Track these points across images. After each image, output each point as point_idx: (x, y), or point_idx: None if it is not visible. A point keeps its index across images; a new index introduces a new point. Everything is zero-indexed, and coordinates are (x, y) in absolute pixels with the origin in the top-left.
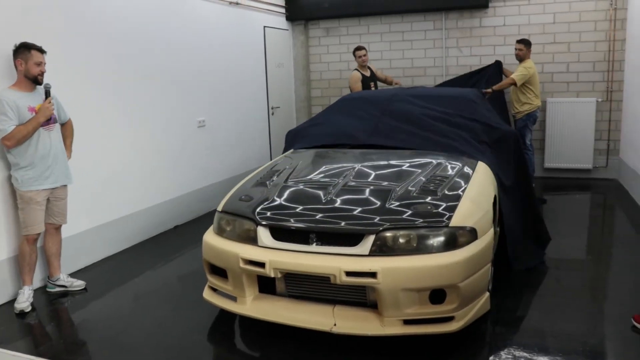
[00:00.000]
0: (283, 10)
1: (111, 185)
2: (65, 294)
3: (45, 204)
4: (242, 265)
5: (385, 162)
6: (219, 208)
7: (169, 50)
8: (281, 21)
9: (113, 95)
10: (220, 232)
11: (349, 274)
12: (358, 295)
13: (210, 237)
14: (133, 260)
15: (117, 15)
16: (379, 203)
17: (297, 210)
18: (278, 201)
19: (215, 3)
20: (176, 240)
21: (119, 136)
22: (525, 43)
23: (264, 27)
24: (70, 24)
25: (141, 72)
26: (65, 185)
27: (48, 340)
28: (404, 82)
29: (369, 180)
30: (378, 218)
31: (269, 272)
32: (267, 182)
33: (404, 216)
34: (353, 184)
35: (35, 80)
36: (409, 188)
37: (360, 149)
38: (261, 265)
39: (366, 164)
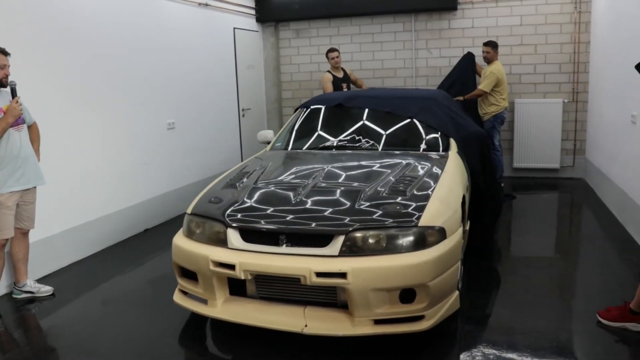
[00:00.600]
0: (253, 12)
1: (79, 188)
2: (32, 300)
3: (15, 208)
4: (212, 267)
5: (355, 163)
6: (189, 210)
7: (137, 52)
8: (251, 23)
9: (80, 97)
10: (190, 234)
11: (319, 274)
12: (329, 295)
13: (180, 240)
14: (102, 264)
15: (83, 16)
16: (348, 204)
17: (267, 211)
18: (248, 203)
19: (184, 4)
20: (146, 243)
21: (87, 139)
22: (492, 45)
23: (234, 28)
24: (34, 25)
25: (109, 74)
26: (35, 188)
27: (15, 347)
28: (375, 84)
29: (339, 181)
30: (348, 219)
31: (239, 274)
32: (237, 184)
33: (374, 216)
34: (323, 184)
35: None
36: (379, 188)
37: (331, 150)
38: (231, 267)
39: (336, 164)
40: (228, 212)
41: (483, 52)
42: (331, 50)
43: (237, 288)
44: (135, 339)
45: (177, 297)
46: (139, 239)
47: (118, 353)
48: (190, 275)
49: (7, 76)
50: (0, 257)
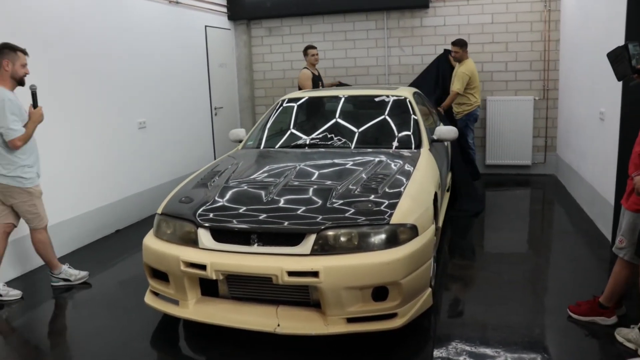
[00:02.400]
0: (225, 10)
1: (48, 189)
2: (0, 305)
3: None
4: (183, 268)
5: (327, 161)
6: (159, 210)
7: (106, 51)
8: (223, 21)
9: (47, 97)
10: (161, 235)
11: (290, 274)
12: (301, 295)
13: (150, 241)
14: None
15: (51, 15)
16: (320, 202)
17: (239, 211)
18: (219, 202)
19: (155, 2)
20: (117, 244)
21: (55, 139)
22: (459, 44)
23: (205, 26)
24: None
25: (78, 73)
26: None
27: None
28: (348, 81)
29: (311, 179)
30: (320, 217)
31: (210, 274)
32: (208, 183)
33: (346, 215)
34: (295, 183)
35: (20, 82)
36: (350, 186)
37: (303, 148)
38: (202, 267)
39: (308, 163)
40: (199, 211)
41: (452, 52)
42: (311, 47)
43: (209, 288)
44: (107, 342)
45: (149, 299)
46: (110, 239)
47: (89, 358)
48: (161, 276)
49: (26, 75)
50: (48, 240)
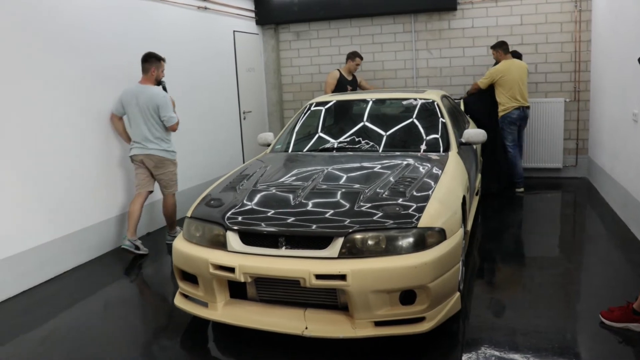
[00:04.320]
0: (253, 15)
1: (81, 192)
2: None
3: None
4: (212, 270)
5: (355, 165)
6: (189, 214)
7: (137, 57)
8: (251, 25)
9: (85, 103)
10: (190, 238)
11: (318, 277)
12: (329, 298)
13: (180, 243)
14: (104, 268)
15: (81, 22)
16: (348, 205)
17: (267, 214)
18: (248, 205)
19: (184, 8)
20: (148, 246)
21: (90, 143)
22: (494, 46)
23: (234, 31)
24: (39, 37)
25: (110, 80)
26: None
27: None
28: (375, 85)
29: (339, 182)
30: (347, 220)
31: (238, 277)
32: (237, 187)
33: (373, 218)
34: (323, 186)
35: (158, 83)
36: (378, 190)
37: (331, 152)
38: (231, 270)
39: (335, 166)
40: (228, 215)
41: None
42: (358, 55)
43: (237, 291)
44: (138, 343)
45: (178, 301)
46: (141, 242)
47: (120, 358)
48: (191, 278)
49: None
50: (175, 203)
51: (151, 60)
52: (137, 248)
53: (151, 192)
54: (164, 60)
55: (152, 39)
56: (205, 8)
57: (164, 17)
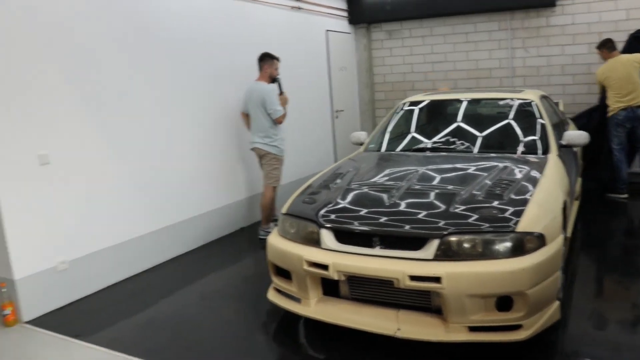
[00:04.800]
0: (345, 14)
1: (181, 187)
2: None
3: None
4: (305, 267)
5: (450, 166)
6: (283, 210)
7: (233, 55)
8: (343, 24)
9: (181, 100)
10: (285, 234)
11: (412, 278)
12: (422, 300)
13: (274, 239)
14: (200, 260)
15: (179, 23)
16: (443, 207)
17: (361, 213)
18: (341, 204)
19: (278, 8)
20: (242, 241)
21: (187, 140)
22: (599, 46)
23: (327, 31)
24: (136, 32)
25: (205, 78)
26: None
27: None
28: (469, 84)
29: (433, 183)
30: (442, 222)
31: (332, 274)
32: (331, 185)
33: (469, 220)
34: (417, 187)
35: (273, 80)
36: (474, 192)
37: (425, 152)
38: (324, 267)
39: (430, 167)
40: (321, 212)
41: None
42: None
43: (330, 288)
44: (232, 334)
45: (272, 295)
46: (235, 236)
47: (215, 347)
48: (284, 273)
49: (277, 75)
50: (273, 198)
51: (265, 59)
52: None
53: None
54: (277, 59)
55: (247, 37)
56: (299, 8)
57: (260, 16)
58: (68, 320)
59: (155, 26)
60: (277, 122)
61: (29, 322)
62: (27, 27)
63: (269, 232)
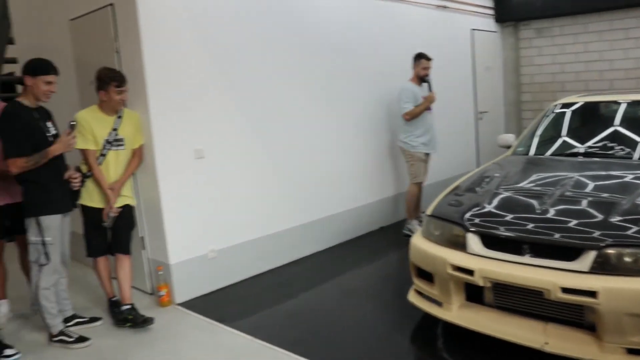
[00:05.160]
0: (492, 12)
1: (322, 185)
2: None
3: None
4: (449, 271)
5: (607, 173)
6: (428, 212)
7: (380, 54)
8: (489, 23)
9: (325, 101)
10: (429, 235)
11: (565, 290)
12: (573, 314)
13: (418, 240)
14: (340, 257)
15: (329, 22)
16: (600, 216)
17: (509, 218)
18: (488, 208)
19: (424, 7)
20: (382, 240)
21: (330, 139)
22: None
23: (472, 29)
24: (285, 34)
25: (350, 76)
26: (429, 154)
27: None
28: (628, 85)
29: (588, 191)
30: (599, 233)
31: (477, 280)
32: (477, 189)
33: (630, 232)
34: (570, 194)
35: (422, 80)
36: (637, 202)
37: (577, 157)
38: (470, 272)
39: (585, 173)
40: (467, 216)
41: None
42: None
43: (473, 294)
44: (370, 332)
45: (412, 297)
46: (374, 236)
47: (353, 344)
48: (426, 276)
49: (426, 75)
50: (418, 196)
51: (415, 59)
52: (411, 232)
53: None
54: (426, 58)
55: (394, 36)
56: (445, 7)
57: (404, 15)
58: (214, 305)
59: (305, 27)
60: (404, 118)
61: (180, 304)
62: (190, 33)
63: (411, 229)
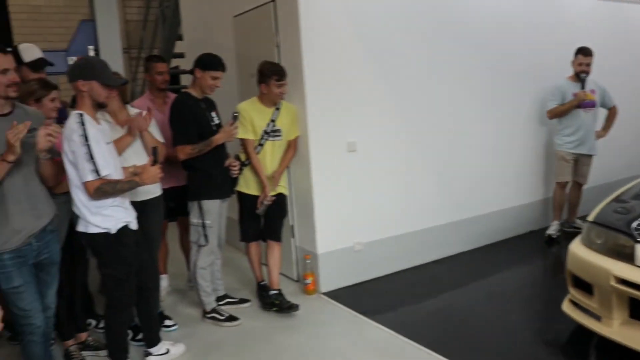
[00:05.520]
0: None
1: (478, 182)
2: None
3: (572, 163)
4: (613, 283)
5: None
6: (590, 218)
7: (535, 50)
8: None
9: (490, 99)
10: (590, 244)
11: None
12: None
13: (577, 248)
14: (487, 258)
15: (491, 17)
16: None
17: None
18: None
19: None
20: (532, 244)
21: (484, 138)
22: None
23: None
24: (434, 30)
25: (514, 74)
26: (591, 156)
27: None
28: None
29: None
30: None
31: None
32: None
33: None
34: None
35: (578, 77)
36: None
37: None
38: (638, 287)
39: None
40: (635, 225)
41: None
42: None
43: (639, 311)
44: (516, 340)
45: (567, 307)
46: (524, 239)
47: (497, 351)
48: (584, 286)
49: (585, 71)
50: (562, 195)
51: (574, 54)
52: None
53: (567, 182)
54: (583, 53)
55: (552, 28)
56: None
57: (567, 6)
58: (358, 297)
59: (466, 24)
60: (547, 115)
61: (324, 294)
62: (347, 28)
63: (550, 231)
